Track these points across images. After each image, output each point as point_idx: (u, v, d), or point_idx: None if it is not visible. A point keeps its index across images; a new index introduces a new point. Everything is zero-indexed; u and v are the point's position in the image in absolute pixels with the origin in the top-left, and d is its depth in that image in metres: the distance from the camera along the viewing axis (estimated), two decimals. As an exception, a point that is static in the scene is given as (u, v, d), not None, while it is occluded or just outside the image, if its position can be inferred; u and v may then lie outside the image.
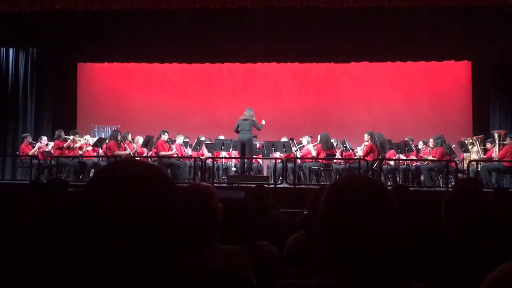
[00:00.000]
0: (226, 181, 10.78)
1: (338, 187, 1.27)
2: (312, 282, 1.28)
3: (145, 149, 11.63)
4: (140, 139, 11.91)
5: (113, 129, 12.65)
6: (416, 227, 2.20)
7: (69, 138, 11.33)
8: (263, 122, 10.50)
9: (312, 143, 11.30)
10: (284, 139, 11.50)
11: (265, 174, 11.93)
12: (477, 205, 2.07)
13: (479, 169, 10.11)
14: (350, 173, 8.59)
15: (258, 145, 11.57)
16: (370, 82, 14.46)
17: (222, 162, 11.89)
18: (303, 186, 10.32)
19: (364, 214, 1.19)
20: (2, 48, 13.28)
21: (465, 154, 11.38)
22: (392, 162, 11.21)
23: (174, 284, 1.00)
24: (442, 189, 9.70)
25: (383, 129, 11.73)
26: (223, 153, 11.69)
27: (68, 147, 11.26)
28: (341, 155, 11.22)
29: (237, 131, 10.37)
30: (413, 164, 11.15)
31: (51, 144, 11.58)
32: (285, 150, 10.88)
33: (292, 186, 9.83)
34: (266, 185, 5.67)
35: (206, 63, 14.07)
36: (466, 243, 1.98)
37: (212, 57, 13.54)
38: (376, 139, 10.71)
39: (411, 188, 9.28)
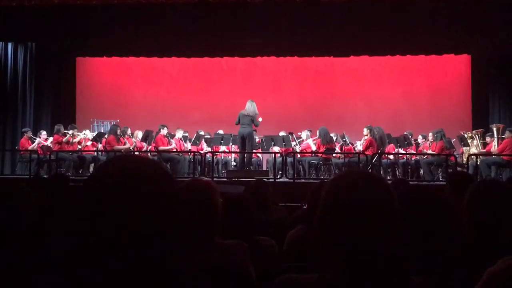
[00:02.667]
0: (225, 176, 10.79)
1: (337, 182, 1.27)
2: (312, 277, 1.28)
3: (144, 143, 11.63)
4: (140, 134, 11.92)
5: (112, 123, 12.64)
6: (415, 221, 2.20)
7: (68, 133, 11.34)
8: (260, 119, 10.45)
9: (311, 137, 11.31)
10: (283, 133, 11.49)
11: (264, 168, 11.94)
12: (505, 200, 1.99)
13: (478, 163, 10.12)
14: (350, 168, 8.61)
15: (257, 140, 11.57)
16: (370, 76, 14.45)
17: (221, 157, 11.90)
18: (303, 180, 10.33)
19: (363, 209, 1.20)
20: (1, 43, 13.24)
21: (464, 148, 11.39)
22: (391, 156, 11.22)
23: (174, 279, 1.01)
24: (441, 183, 9.72)
25: (382, 123, 11.73)
26: (223, 148, 11.69)
27: (67, 142, 11.27)
28: (341, 149, 11.23)
29: (238, 124, 10.33)
30: (413, 158, 11.17)
31: (51, 138, 11.58)
32: (285, 145, 10.88)
33: (292, 181, 9.83)
34: (265, 180, 5.68)
35: (205, 57, 14.03)
36: (487, 240, 1.93)
37: (211, 51, 13.50)
38: (376, 133, 10.72)
39: (410, 182, 9.26)
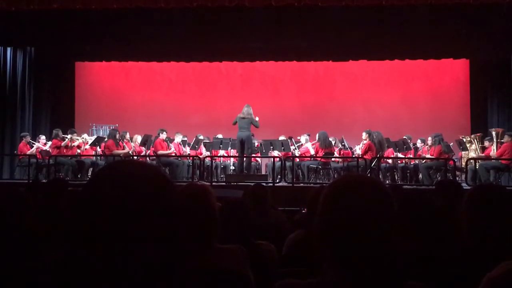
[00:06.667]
0: (224, 180, 10.78)
1: (336, 187, 1.27)
2: (311, 282, 1.28)
3: (143, 148, 11.63)
4: (139, 138, 11.91)
5: (111, 128, 12.64)
6: (413, 227, 2.20)
7: (66, 137, 11.32)
8: (257, 118, 10.51)
9: (310, 141, 11.31)
10: (282, 138, 11.50)
11: (263, 172, 11.93)
12: (503, 203, 1.97)
13: (477, 167, 10.13)
14: (349, 173, 8.60)
15: (256, 144, 11.56)
16: (368, 81, 14.47)
17: (220, 161, 11.88)
18: (302, 184, 10.34)
19: (362, 214, 1.19)
20: (0, 48, 13.25)
21: (463, 152, 11.40)
22: (390, 161, 11.22)
23: (173, 283, 1.00)
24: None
25: (381, 127, 11.73)
26: (221, 152, 11.68)
27: (66, 146, 11.25)
28: (339, 154, 11.23)
29: (235, 124, 10.42)
30: (411, 163, 11.16)
31: (49, 143, 11.57)
32: (284, 149, 10.89)
33: (291, 185, 9.85)
34: (264, 184, 5.68)
35: (204, 61, 14.04)
36: (486, 244, 1.91)
37: (210, 55, 13.51)
38: (374, 137, 10.72)
39: (408, 187, 9.27)
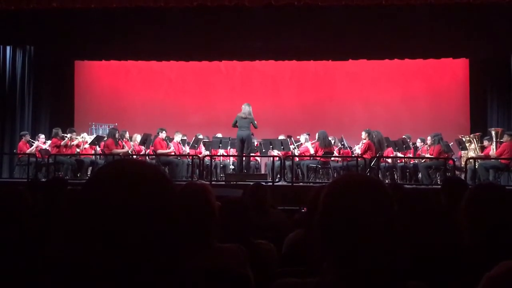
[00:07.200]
0: (224, 179, 10.79)
1: (336, 187, 1.27)
2: (310, 281, 1.28)
3: (143, 147, 11.63)
4: (138, 137, 11.91)
5: (110, 127, 12.63)
6: (413, 226, 2.19)
7: (66, 136, 11.32)
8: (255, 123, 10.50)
9: (310, 141, 11.31)
10: (282, 137, 11.50)
11: (263, 172, 11.93)
12: (502, 203, 1.97)
13: (476, 166, 10.13)
14: (349, 172, 8.61)
15: (256, 143, 11.56)
16: (368, 80, 14.46)
17: (220, 160, 11.88)
18: (301, 184, 10.35)
19: (363, 214, 1.19)
20: (-1, 46, 13.25)
21: (462, 151, 11.40)
22: (389, 160, 11.22)
23: (173, 283, 1.00)
24: (439, 186, 9.71)
25: (380, 127, 11.73)
26: (221, 151, 11.68)
27: (66, 145, 11.25)
28: (339, 153, 11.23)
29: (235, 126, 10.38)
30: (411, 162, 11.16)
31: (49, 142, 11.57)
32: (283, 148, 10.89)
33: (290, 184, 9.85)
34: (264, 183, 5.68)
35: (204, 61, 14.02)
36: (486, 244, 1.92)
37: (210, 55, 13.49)
38: (374, 137, 10.73)
39: (408, 186, 9.27)
